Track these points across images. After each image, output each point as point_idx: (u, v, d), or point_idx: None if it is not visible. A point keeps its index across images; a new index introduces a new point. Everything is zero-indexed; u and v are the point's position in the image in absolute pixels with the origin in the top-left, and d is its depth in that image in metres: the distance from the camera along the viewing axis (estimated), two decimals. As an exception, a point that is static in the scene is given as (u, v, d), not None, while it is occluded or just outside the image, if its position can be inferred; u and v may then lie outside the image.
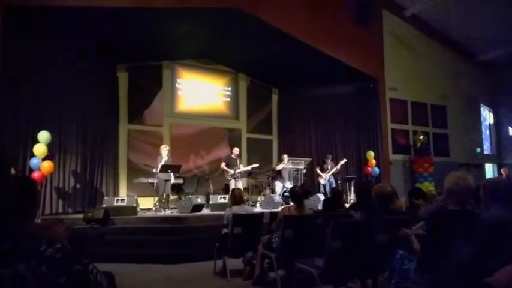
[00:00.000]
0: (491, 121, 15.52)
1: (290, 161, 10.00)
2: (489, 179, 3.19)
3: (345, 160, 10.62)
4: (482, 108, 15.06)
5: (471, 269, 2.37)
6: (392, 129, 11.93)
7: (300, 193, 4.86)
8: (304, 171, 10.51)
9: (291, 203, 4.95)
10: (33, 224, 1.80)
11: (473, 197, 3.14)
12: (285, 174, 10.14)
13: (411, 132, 12.36)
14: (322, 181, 10.47)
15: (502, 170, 13.48)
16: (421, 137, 12.01)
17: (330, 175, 10.45)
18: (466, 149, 13.69)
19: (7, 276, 0.86)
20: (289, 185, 9.92)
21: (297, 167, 10.04)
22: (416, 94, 12.58)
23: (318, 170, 10.69)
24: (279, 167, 10.18)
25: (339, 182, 10.69)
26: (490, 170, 14.94)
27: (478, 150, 14.35)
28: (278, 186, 10.19)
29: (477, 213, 2.89)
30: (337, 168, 10.45)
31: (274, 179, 10.42)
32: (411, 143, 12.24)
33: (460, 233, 2.52)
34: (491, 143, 15.42)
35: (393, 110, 11.98)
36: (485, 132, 15.25)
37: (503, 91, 14.94)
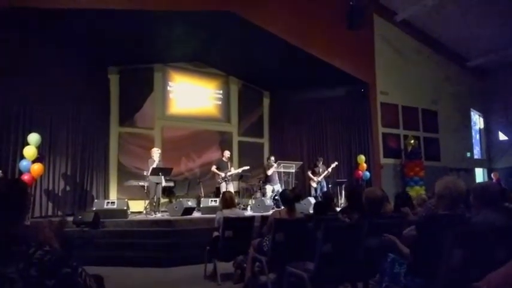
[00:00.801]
0: (482, 126, 15.66)
1: (281, 164, 9.96)
2: (479, 183, 3.22)
3: (336, 163, 10.60)
4: (472, 113, 15.20)
5: (461, 273, 2.38)
6: (383, 133, 11.99)
7: (291, 197, 4.85)
8: (296, 171, 10.48)
9: (282, 207, 4.94)
10: (23, 226, 1.78)
11: (463, 201, 3.16)
12: (274, 177, 10.10)
13: (402, 136, 12.42)
14: (313, 184, 10.45)
15: (492, 175, 13.59)
16: (412, 141, 12.08)
17: (322, 178, 10.44)
18: (457, 153, 13.80)
19: (-5, 279, 0.84)
20: (279, 187, 9.89)
21: (287, 171, 10.02)
22: (407, 98, 12.67)
23: (309, 174, 10.67)
24: (269, 172, 10.00)
25: (329, 185, 10.70)
26: (480, 175, 15.06)
27: (469, 154, 14.47)
28: (268, 189, 10.15)
29: (467, 218, 2.91)
30: (328, 171, 10.43)
31: (264, 182, 10.37)
32: (402, 147, 12.31)
33: (450, 237, 2.52)
34: (481, 148, 15.55)
35: (384, 114, 12.04)
36: (476, 137, 15.39)
37: (493, 96, 15.08)
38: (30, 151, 7.15)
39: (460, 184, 2.75)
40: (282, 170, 9.99)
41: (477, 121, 15.65)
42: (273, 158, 10.12)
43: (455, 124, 14.01)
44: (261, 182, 10.78)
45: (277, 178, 10.09)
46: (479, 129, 15.65)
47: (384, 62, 11.95)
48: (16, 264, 0.88)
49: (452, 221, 2.65)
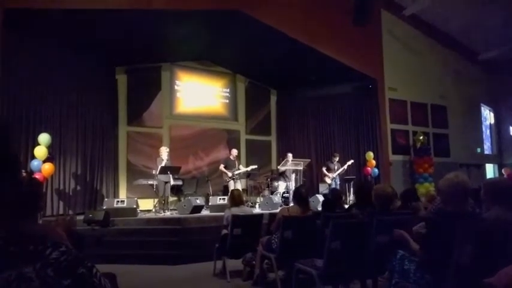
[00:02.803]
0: (492, 121, 15.49)
1: (288, 162, 9.95)
2: (490, 179, 3.18)
3: (352, 161, 10.49)
4: (482, 108, 15.03)
5: (472, 269, 2.36)
6: (392, 130, 11.89)
7: (302, 194, 4.84)
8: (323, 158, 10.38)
9: (291, 204, 4.94)
10: (36, 225, 1.80)
11: (472, 195, 3.13)
12: (289, 174, 10.05)
13: (411, 132, 12.31)
14: (328, 181, 10.36)
15: (503, 170, 13.42)
16: (421, 137, 11.98)
17: (336, 175, 10.37)
18: (467, 149, 13.65)
19: (13, 278, 0.86)
20: (292, 185, 9.86)
21: (296, 168, 10.01)
22: (416, 94, 12.56)
23: (324, 170, 10.53)
24: (283, 168, 9.98)
25: (338, 183, 10.65)
26: (490, 170, 14.90)
27: (479, 150, 14.32)
28: (281, 186, 10.12)
29: (476, 214, 2.89)
30: (344, 169, 10.35)
31: (274, 179, 10.31)
32: (411, 143, 12.21)
33: (460, 234, 2.51)
34: (491, 143, 15.38)
35: (393, 110, 11.94)
36: (486, 132, 15.22)
37: (504, 90, 14.89)
38: (40, 151, 7.23)
39: (463, 178, 2.72)
40: (290, 167, 9.97)
41: (487, 116, 15.47)
42: (290, 155, 10.08)
43: (465, 119, 13.86)
44: (268, 179, 10.75)
45: (291, 176, 10.06)
46: (490, 124, 15.48)
47: (392, 58, 11.84)
48: (33, 263, 0.90)
49: (461, 218, 2.63)
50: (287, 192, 9.90)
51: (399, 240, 3.05)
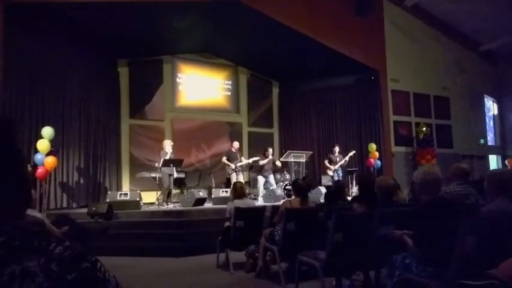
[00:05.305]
0: (495, 112, 15.41)
1: (291, 154, 9.89)
2: (493, 170, 3.20)
3: (353, 151, 10.48)
4: (486, 99, 14.94)
5: (475, 260, 2.36)
6: (395, 121, 11.85)
7: (302, 186, 4.84)
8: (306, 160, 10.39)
9: (293, 196, 4.95)
10: (29, 219, 1.79)
11: (475, 187, 3.15)
12: (268, 167, 9.89)
13: (414, 124, 12.28)
14: (330, 173, 10.36)
15: (506, 161, 13.38)
16: (424, 129, 11.93)
17: (338, 167, 10.35)
18: (470, 140, 13.60)
19: (18, 272, 0.86)
20: (272, 179, 9.84)
21: (298, 160, 9.99)
22: (419, 85, 12.49)
23: (326, 163, 10.53)
24: (262, 162, 9.76)
25: (340, 174, 10.65)
26: (494, 161, 14.86)
27: (482, 141, 14.26)
28: (260, 180, 9.94)
29: (452, 201, 3.04)
30: (346, 160, 10.34)
31: (257, 173, 10.20)
32: (414, 134, 12.17)
33: (439, 221, 2.67)
34: (495, 134, 15.32)
35: (395, 102, 11.89)
36: (489, 123, 15.15)
37: (507, 81, 14.80)
38: (43, 144, 7.24)
39: (435, 169, 2.98)
40: (292, 159, 9.95)
41: (491, 107, 15.39)
42: (270, 150, 9.97)
43: (468, 110, 13.79)
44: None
45: (270, 169, 9.92)
46: (493, 115, 15.40)
47: (394, 49, 11.76)
48: (38, 259, 0.90)
49: (439, 205, 2.81)
50: (290, 185, 9.89)
51: (398, 243, 3.07)
